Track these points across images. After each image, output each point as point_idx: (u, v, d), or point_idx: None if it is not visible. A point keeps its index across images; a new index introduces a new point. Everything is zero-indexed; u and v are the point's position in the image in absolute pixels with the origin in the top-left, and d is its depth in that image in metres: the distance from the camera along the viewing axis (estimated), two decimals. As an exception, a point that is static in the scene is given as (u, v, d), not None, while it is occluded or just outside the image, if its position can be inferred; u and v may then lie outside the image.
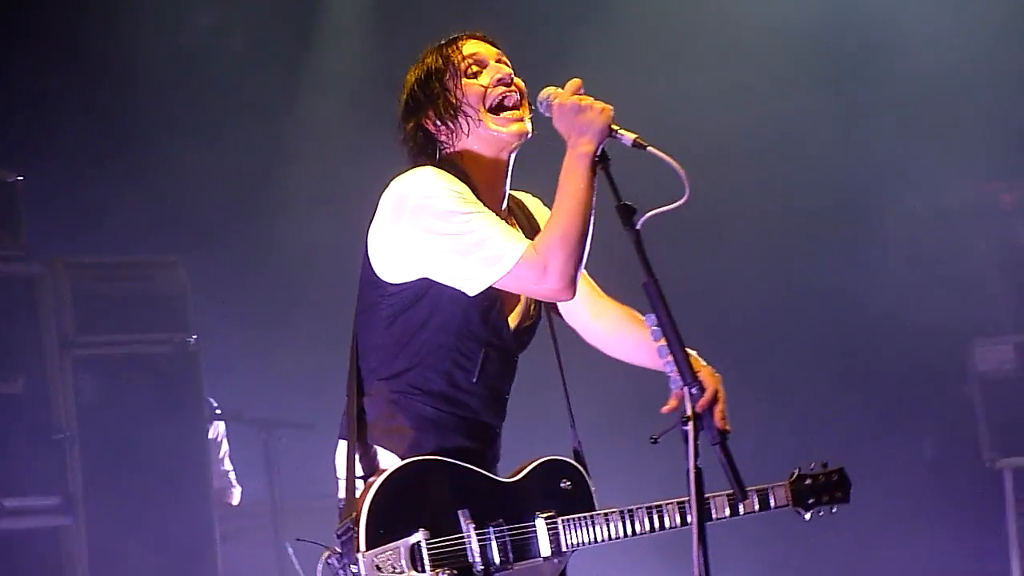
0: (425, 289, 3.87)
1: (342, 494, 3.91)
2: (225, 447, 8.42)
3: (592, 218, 3.77)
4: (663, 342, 3.58)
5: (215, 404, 8.01)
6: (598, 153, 3.77)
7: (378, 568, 3.70)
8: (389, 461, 3.88)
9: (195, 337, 7.74)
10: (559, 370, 4.21)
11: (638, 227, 3.63)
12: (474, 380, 3.95)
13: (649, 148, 3.72)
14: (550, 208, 3.84)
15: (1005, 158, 9.29)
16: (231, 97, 9.38)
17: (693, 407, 3.52)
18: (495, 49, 4.08)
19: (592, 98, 3.82)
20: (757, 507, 4.25)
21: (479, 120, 3.96)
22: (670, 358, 3.57)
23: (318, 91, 9.93)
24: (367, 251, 3.94)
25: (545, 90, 3.91)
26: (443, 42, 4.08)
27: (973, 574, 8.85)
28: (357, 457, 3.90)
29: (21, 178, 7.45)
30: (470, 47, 4.04)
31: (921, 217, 9.47)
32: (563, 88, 3.87)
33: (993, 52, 9.27)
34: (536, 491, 3.98)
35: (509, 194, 4.10)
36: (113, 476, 7.37)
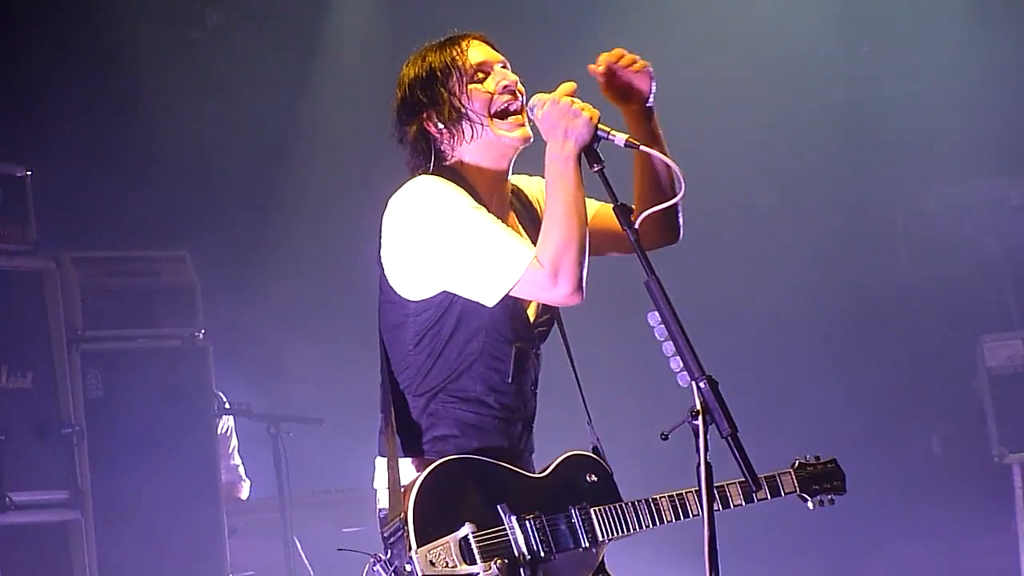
0: (449, 300, 3.85)
1: (383, 504, 3.91)
2: (234, 441, 8.41)
3: (587, 219, 3.78)
4: (667, 340, 3.57)
5: (224, 398, 8.00)
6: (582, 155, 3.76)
7: (432, 563, 3.71)
8: None
9: (204, 331, 7.74)
10: (572, 369, 4.20)
11: (637, 226, 3.65)
12: (509, 380, 3.94)
13: (642, 147, 3.75)
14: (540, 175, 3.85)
15: (1013, 155, 9.29)
16: (240, 91, 9.37)
17: (703, 402, 3.52)
18: (497, 53, 4.01)
19: (582, 102, 3.79)
20: (769, 494, 4.28)
21: (484, 126, 3.91)
22: (676, 356, 3.57)
23: (329, 85, 9.92)
24: (383, 272, 3.91)
25: (538, 95, 3.87)
26: (444, 41, 4.00)
27: (982, 570, 8.86)
28: (400, 470, 3.88)
29: (29, 172, 7.42)
30: (475, 51, 3.97)
31: (931, 213, 9.47)
32: (556, 92, 3.83)
33: (1002, 50, 9.28)
34: (566, 485, 3.99)
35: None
36: (121, 471, 7.36)
